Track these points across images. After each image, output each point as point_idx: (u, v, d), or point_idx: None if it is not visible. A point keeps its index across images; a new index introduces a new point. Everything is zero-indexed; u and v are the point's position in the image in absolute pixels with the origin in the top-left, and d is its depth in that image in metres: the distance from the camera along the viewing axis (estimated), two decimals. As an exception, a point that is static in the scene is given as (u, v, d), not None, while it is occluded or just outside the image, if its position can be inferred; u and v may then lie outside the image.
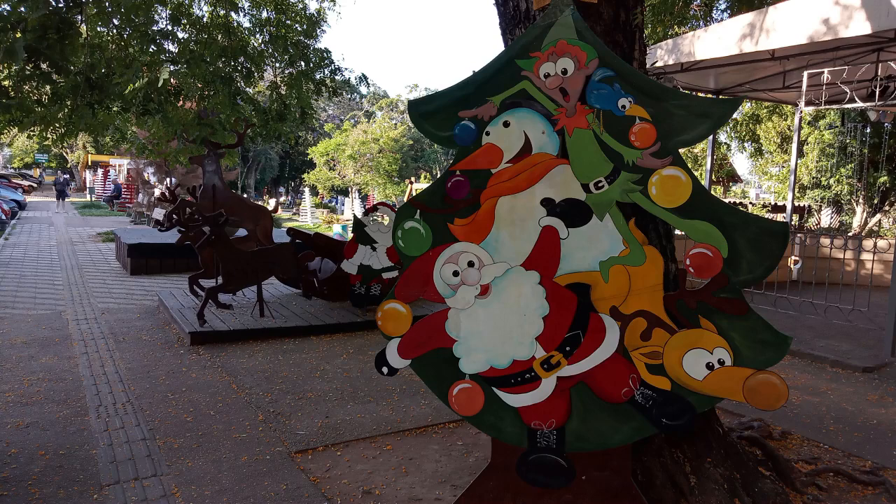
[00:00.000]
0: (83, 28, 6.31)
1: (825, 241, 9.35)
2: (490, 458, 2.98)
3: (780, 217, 17.96)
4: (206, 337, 6.93)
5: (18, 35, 4.55)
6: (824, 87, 8.65)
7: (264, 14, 9.44)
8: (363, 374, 5.95)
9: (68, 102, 6.69)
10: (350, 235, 8.12)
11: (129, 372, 5.86)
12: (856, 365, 6.51)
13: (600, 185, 2.64)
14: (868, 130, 16.87)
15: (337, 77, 9.89)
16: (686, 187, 2.52)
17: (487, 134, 2.75)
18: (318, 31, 9.81)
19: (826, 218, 19.73)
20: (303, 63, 9.27)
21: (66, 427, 4.55)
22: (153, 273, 11.89)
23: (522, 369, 2.75)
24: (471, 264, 2.79)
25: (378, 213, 8.10)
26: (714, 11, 9.46)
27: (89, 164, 42.32)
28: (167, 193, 9.07)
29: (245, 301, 8.50)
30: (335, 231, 20.76)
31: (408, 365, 2.93)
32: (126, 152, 23.47)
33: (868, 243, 10.01)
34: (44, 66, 5.38)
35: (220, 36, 8.14)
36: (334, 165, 36.75)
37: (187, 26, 8.16)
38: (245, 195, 33.71)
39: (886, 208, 18.38)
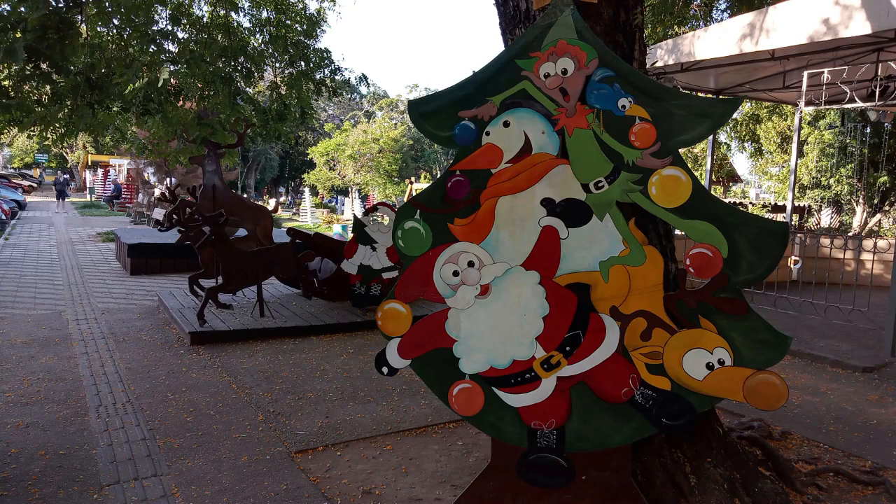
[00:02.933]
0: (83, 28, 6.31)
1: (825, 241, 9.35)
2: (490, 458, 2.98)
3: (780, 217, 17.96)
4: (206, 337, 6.93)
5: (18, 35, 4.55)
6: (824, 87, 8.66)
7: (264, 14, 9.45)
8: (363, 374, 5.95)
9: (68, 102, 6.69)
10: (350, 235, 8.12)
11: (129, 372, 5.86)
12: (856, 365, 6.51)
13: (600, 185, 2.64)
14: (868, 130, 16.87)
15: (337, 77, 9.90)
16: (686, 187, 2.52)
17: (487, 134, 2.75)
18: (318, 31, 9.82)
19: (826, 218, 19.73)
20: (303, 63, 9.28)
21: (66, 427, 4.55)
22: (153, 273, 11.90)
23: (522, 369, 2.75)
24: (471, 264, 2.79)
25: (378, 213, 8.09)
26: (714, 11, 9.47)
27: (89, 164, 42.31)
28: (167, 193, 9.07)
29: (245, 301, 8.50)
30: (335, 231, 20.76)
31: (408, 365, 2.93)
32: (126, 152, 23.47)
33: (868, 243, 10.00)
34: (44, 66, 5.38)
35: (220, 36, 8.15)
36: (334, 165, 36.77)
37: (187, 26, 8.16)
38: (245, 195, 33.71)
39: (886, 208, 18.38)
